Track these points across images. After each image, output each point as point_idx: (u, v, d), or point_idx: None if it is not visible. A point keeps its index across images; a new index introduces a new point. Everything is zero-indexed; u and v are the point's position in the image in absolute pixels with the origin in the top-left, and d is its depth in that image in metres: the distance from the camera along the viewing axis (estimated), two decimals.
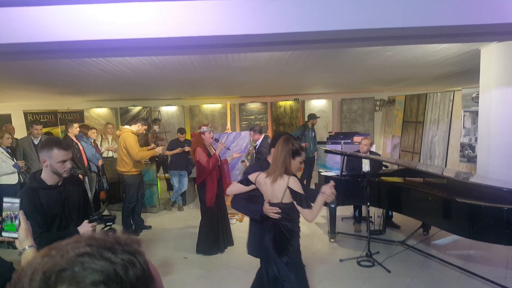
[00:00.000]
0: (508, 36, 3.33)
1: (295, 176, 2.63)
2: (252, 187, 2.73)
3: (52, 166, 2.19)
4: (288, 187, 2.51)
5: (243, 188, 2.79)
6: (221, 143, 4.84)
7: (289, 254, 2.54)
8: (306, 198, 2.52)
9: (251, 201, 2.77)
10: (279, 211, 2.55)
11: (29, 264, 0.54)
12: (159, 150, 5.66)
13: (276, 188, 2.55)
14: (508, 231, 3.10)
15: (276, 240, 2.57)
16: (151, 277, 0.57)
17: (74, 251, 0.53)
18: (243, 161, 6.14)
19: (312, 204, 2.56)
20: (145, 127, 5.79)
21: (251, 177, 2.72)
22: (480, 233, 3.31)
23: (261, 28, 2.83)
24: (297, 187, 2.52)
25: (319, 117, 9.27)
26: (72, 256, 0.52)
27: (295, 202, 2.53)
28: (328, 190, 2.51)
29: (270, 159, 2.77)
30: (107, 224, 2.17)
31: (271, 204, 2.58)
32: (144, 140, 8.39)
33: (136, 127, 5.66)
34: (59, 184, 2.29)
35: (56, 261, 0.52)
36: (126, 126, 5.73)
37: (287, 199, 2.54)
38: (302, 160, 2.59)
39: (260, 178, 2.64)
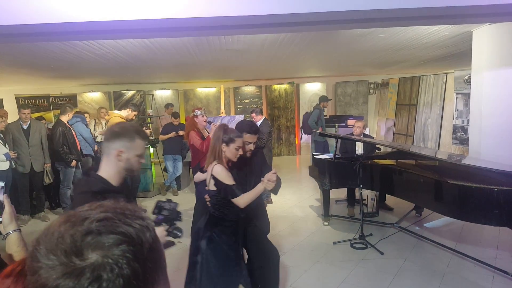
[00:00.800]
0: (499, 18, 3.32)
1: (226, 164, 2.60)
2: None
3: (129, 160, 1.75)
4: (212, 174, 2.51)
5: (201, 176, 2.91)
6: (214, 125, 4.84)
7: (213, 240, 2.53)
8: (231, 186, 2.48)
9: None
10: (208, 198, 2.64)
11: (48, 231, 0.57)
12: (146, 132, 5.64)
13: (208, 175, 2.58)
14: (498, 212, 3.15)
15: (203, 225, 2.63)
16: (160, 249, 0.62)
17: (94, 216, 0.57)
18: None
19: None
20: (135, 112, 5.74)
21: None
22: (470, 214, 3.37)
23: (254, 10, 2.79)
24: (221, 175, 2.49)
25: (330, 99, 9.22)
26: (93, 221, 0.56)
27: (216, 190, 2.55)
28: (267, 177, 2.45)
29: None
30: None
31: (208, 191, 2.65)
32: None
33: (126, 112, 5.62)
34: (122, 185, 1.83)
35: (78, 227, 0.55)
36: (116, 111, 5.67)
37: (212, 186, 2.54)
38: (239, 147, 2.56)
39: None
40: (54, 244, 0.54)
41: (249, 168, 2.88)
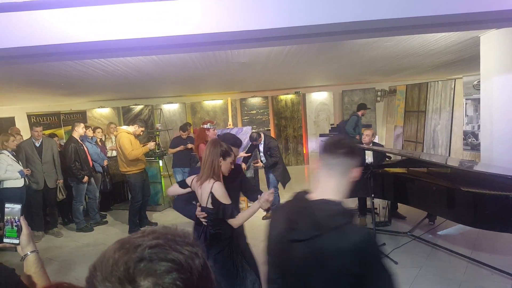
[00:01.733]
0: (506, 23, 3.31)
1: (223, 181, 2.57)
2: (188, 190, 2.67)
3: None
4: (211, 192, 2.46)
5: (180, 190, 2.73)
6: None
7: (213, 258, 2.51)
8: (229, 206, 2.45)
9: (189, 203, 2.71)
10: (205, 215, 2.51)
11: (103, 257, 0.60)
12: (151, 145, 5.70)
13: (203, 192, 2.49)
14: None
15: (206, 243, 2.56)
16: (210, 277, 0.63)
17: (146, 243, 0.59)
18: (256, 163, 6.13)
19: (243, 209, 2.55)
20: (142, 128, 5.80)
21: (188, 180, 2.68)
22: (485, 221, 3.32)
23: (259, 24, 2.83)
24: (220, 194, 2.45)
25: (369, 108, 9.20)
26: (145, 248, 0.58)
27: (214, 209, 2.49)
28: (264, 197, 2.43)
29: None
30: None
31: (202, 209, 2.54)
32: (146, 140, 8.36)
33: (133, 128, 5.69)
34: None
35: (131, 254, 0.57)
36: (124, 127, 5.77)
37: (210, 204, 2.48)
38: (233, 160, 2.55)
39: (193, 181, 2.60)
40: (109, 271, 0.56)
41: (234, 183, 2.81)
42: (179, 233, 0.63)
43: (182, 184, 2.71)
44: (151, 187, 6.62)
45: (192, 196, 2.70)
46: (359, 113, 7.91)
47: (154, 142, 5.88)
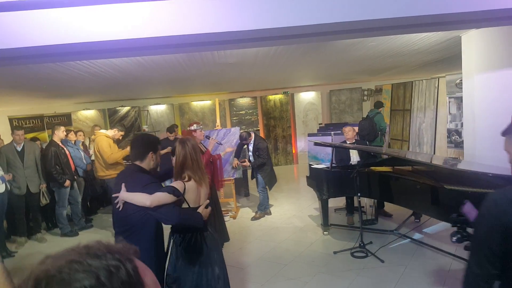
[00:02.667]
0: (486, 23, 3.36)
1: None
2: (179, 197, 2.44)
3: None
4: (211, 188, 2.57)
5: (172, 199, 2.35)
6: (212, 139, 4.86)
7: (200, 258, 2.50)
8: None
9: (184, 211, 2.50)
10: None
11: (30, 270, 0.58)
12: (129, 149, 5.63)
13: (203, 191, 2.49)
14: None
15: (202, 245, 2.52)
16: (140, 283, 0.60)
17: (65, 258, 0.57)
18: (243, 162, 6.12)
19: None
20: (122, 132, 5.77)
21: (178, 186, 2.43)
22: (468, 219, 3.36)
23: (245, 25, 2.82)
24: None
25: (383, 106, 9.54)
26: (62, 263, 0.56)
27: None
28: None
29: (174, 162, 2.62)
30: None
31: (206, 206, 2.52)
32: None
33: (112, 132, 5.65)
34: None
35: (47, 268, 0.55)
36: (102, 131, 5.70)
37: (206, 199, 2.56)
38: None
39: (188, 185, 2.46)
40: (24, 285, 0.56)
41: None
42: (113, 248, 0.61)
43: (176, 192, 2.39)
44: None
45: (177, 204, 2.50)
46: (380, 110, 8.34)
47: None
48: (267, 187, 6.07)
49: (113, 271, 0.56)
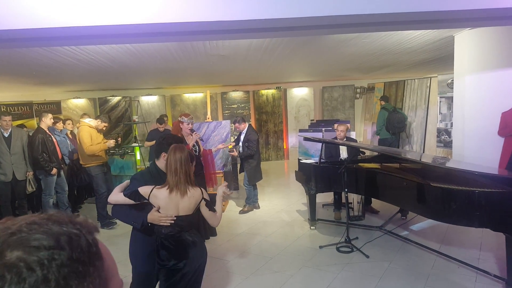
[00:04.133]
0: (480, 22, 3.37)
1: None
2: (140, 201, 2.41)
3: None
4: (204, 199, 2.44)
5: (128, 202, 2.41)
6: (195, 134, 4.80)
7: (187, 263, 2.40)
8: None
9: (133, 209, 2.48)
10: (174, 220, 2.36)
11: None
12: (110, 143, 5.57)
13: (187, 201, 2.38)
14: (479, 214, 3.18)
15: (177, 251, 2.40)
16: (99, 255, 0.60)
17: (26, 220, 0.57)
18: (231, 151, 6.10)
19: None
20: (105, 124, 5.71)
21: (144, 190, 2.40)
22: (453, 216, 3.39)
23: (237, 15, 2.79)
24: (207, 196, 2.49)
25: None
26: (22, 224, 0.56)
27: (206, 211, 2.47)
28: (223, 190, 2.54)
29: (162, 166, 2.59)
30: None
31: (179, 218, 2.39)
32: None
33: (95, 122, 5.60)
34: None
35: (7, 227, 0.55)
36: (86, 120, 5.61)
37: (195, 210, 2.45)
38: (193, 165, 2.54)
39: (158, 193, 2.38)
40: None
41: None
42: (75, 220, 0.61)
43: (135, 196, 2.39)
44: (125, 180, 6.46)
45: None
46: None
47: (114, 140, 5.75)
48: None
49: (73, 237, 0.56)
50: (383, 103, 8.16)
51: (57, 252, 0.53)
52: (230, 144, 6.16)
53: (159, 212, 2.37)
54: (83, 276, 0.55)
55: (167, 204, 2.37)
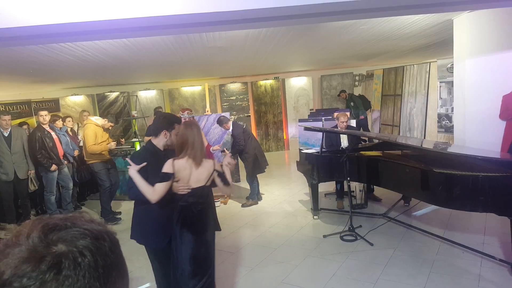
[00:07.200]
0: (479, 5, 3.33)
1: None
2: (170, 180, 2.49)
3: None
4: (216, 170, 2.62)
5: (167, 185, 2.45)
6: None
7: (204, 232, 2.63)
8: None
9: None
10: (190, 189, 2.54)
11: (24, 225, 0.61)
12: (111, 146, 5.59)
13: (201, 172, 2.56)
14: (483, 198, 3.17)
15: (192, 222, 2.58)
16: (122, 256, 0.64)
17: (66, 215, 0.62)
18: (223, 151, 6.02)
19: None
20: (112, 124, 5.78)
21: (167, 168, 2.47)
22: (457, 202, 3.39)
23: (233, 5, 2.74)
24: (219, 167, 2.66)
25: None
26: (66, 217, 0.61)
27: (220, 181, 2.66)
28: (228, 160, 2.70)
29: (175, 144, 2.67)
30: None
31: (193, 189, 2.57)
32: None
33: (102, 121, 5.65)
34: None
35: (56, 222, 0.59)
36: (94, 118, 5.67)
37: (209, 181, 2.63)
38: None
39: (179, 163, 2.50)
40: (25, 236, 0.58)
41: None
42: (92, 218, 0.65)
43: (165, 177, 2.44)
44: (122, 176, 6.45)
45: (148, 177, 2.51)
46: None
47: (115, 143, 5.79)
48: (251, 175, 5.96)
49: (110, 232, 0.62)
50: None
51: (101, 242, 0.58)
52: (218, 146, 6.02)
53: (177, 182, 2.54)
54: (117, 268, 0.60)
55: (186, 174, 2.54)
